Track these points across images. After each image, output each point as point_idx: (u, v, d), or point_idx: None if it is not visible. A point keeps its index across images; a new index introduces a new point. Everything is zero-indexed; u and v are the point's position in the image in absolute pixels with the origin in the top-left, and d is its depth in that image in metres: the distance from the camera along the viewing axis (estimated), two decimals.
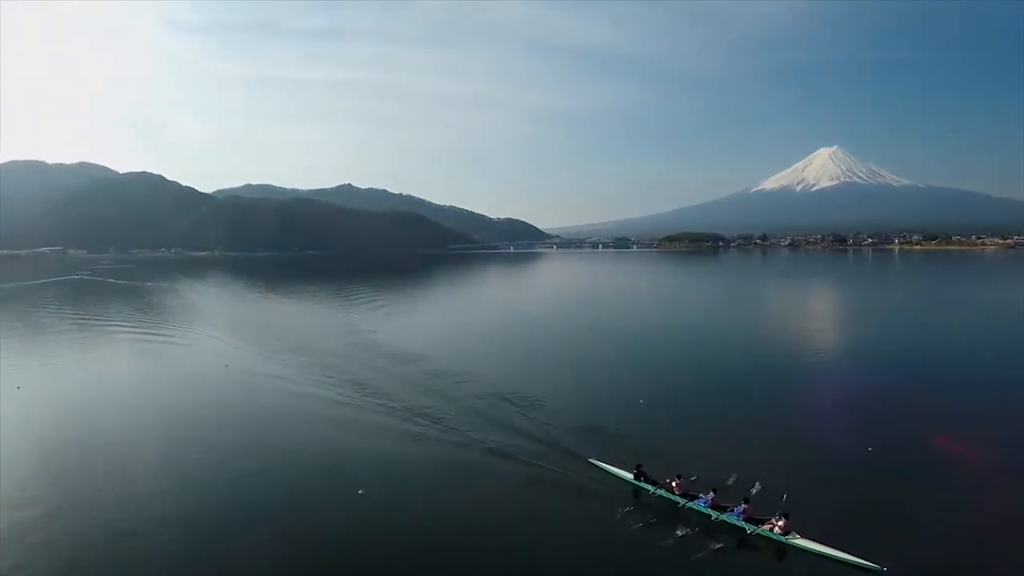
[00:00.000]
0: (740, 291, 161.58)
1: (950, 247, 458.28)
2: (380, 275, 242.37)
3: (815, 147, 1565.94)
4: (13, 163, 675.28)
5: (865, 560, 23.97)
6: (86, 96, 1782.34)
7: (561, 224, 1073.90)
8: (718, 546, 26.05)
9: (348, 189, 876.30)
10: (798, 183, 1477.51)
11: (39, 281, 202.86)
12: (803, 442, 39.03)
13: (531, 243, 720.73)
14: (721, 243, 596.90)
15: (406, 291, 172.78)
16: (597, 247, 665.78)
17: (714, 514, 28.12)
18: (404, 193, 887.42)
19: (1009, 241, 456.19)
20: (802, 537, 25.59)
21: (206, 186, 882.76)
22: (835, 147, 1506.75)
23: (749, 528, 26.92)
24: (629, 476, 32.12)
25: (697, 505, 28.96)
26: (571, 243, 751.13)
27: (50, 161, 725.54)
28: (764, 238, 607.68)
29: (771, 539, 26.17)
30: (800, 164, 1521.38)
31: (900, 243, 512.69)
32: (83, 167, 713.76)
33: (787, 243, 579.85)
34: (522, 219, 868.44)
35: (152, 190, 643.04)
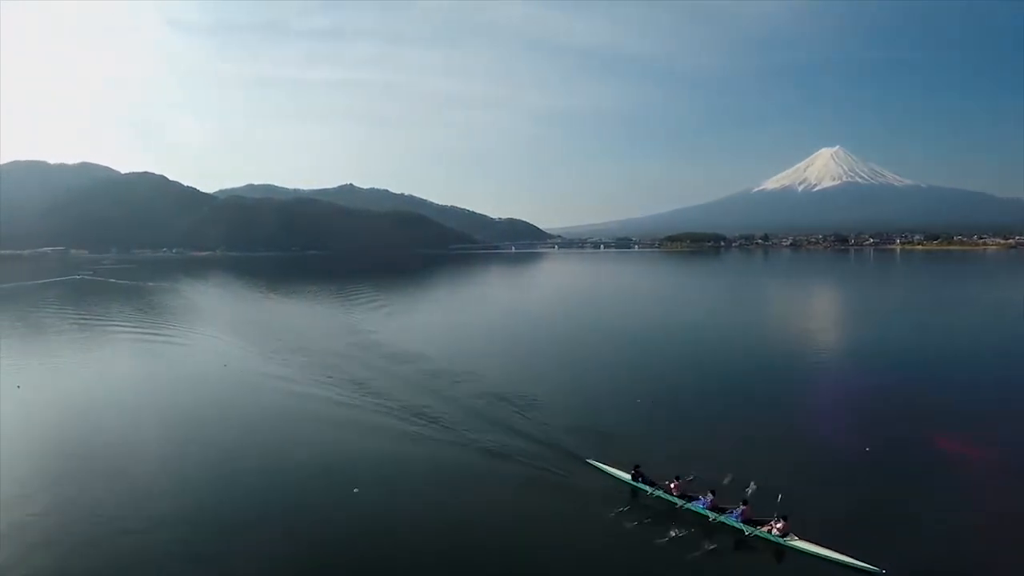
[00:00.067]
0: (741, 291, 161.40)
1: (952, 247, 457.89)
2: (381, 275, 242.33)
3: (817, 147, 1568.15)
4: (15, 163, 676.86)
5: (864, 562, 23.85)
6: (88, 96, 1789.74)
7: (562, 224, 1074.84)
8: (716, 548, 25.93)
9: (350, 189, 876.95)
10: (800, 183, 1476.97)
11: (40, 281, 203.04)
12: (802, 442, 38.93)
13: (532, 243, 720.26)
14: (723, 243, 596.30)
15: (407, 291, 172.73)
16: (599, 247, 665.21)
17: (712, 515, 28.01)
18: (406, 193, 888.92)
19: (1011, 241, 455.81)
20: (801, 539, 25.49)
21: (208, 186, 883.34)
22: (837, 147, 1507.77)
23: (747, 530, 26.82)
24: (627, 477, 32.01)
25: (695, 506, 28.85)
26: (572, 243, 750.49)
27: (52, 161, 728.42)
28: (766, 238, 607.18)
29: (769, 541, 26.07)
30: (802, 164, 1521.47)
31: (902, 243, 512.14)
32: (85, 167, 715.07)
33: (789, 243, 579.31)
34: (523, 219, 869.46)
35: (154, 190, 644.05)
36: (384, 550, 26.89)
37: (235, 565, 25.88)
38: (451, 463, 35.89)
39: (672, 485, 30.10)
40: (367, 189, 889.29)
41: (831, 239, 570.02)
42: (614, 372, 60.43)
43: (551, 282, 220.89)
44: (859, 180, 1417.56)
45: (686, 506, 29.11)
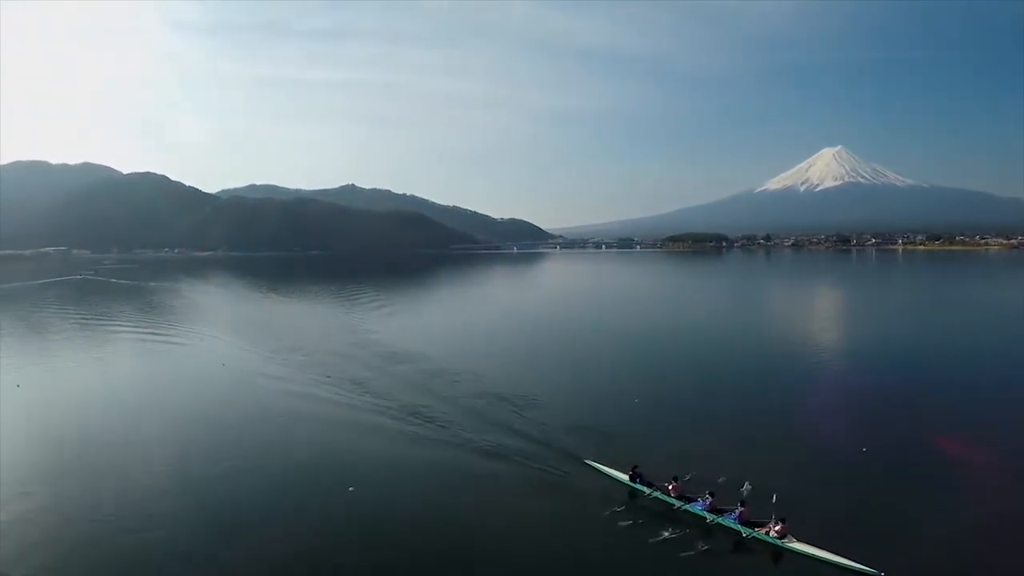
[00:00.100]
0: (742, 291, 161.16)
1: (954, 247, 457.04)
2: (382, 275, 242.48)
3: (819, 147, 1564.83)
4: (17, 163, 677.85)
5: (863, 565, 23.65)
6: (90, 97, 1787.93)
7: (564, 224, 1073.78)
8: (714, 549, 25.81)
9: (351, 189, 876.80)
10: (802, 183, 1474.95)
11: (41, 281, 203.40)
12: (801, 443, 38.75)
13: (534, 243, 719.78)
14: (724, 243, 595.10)
15: (408, 291, 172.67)
16: (600, 247, 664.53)
17: (710, 517, 27.85)
18: (407, 193, 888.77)
19: (1013, 241, 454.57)
20: (799, 541, 25.32)
21: (210, 186, 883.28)
22: (839, 147, 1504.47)
23: (745, 531, 26.64)
24: (625, 478, 31.85)
25: (693, 508, 28.68)
26: (574, 243, 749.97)
27: (54, 161, 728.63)
28: (767, 238, 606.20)
29: (767, 543, 25.90)
30: (804, 164, 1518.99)
31: (904, 243, 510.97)
32: (87, 167, 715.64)
33: (790, 243, 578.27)
34: (525, 219, 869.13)
35: (156, 190, 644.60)
36: (379, 550, 26.76)
37: (229, 562, 25.93)
38: (448, 463, 35.75)
39: (670, 487, 29.92)
40: (369, 189, 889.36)
41: (833, 239, 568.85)
42: (614, 372, 60.30)
43: (553, 282, 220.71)
44: (861, 180, 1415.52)
45: (684, 507, 28.93)
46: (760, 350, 71.00)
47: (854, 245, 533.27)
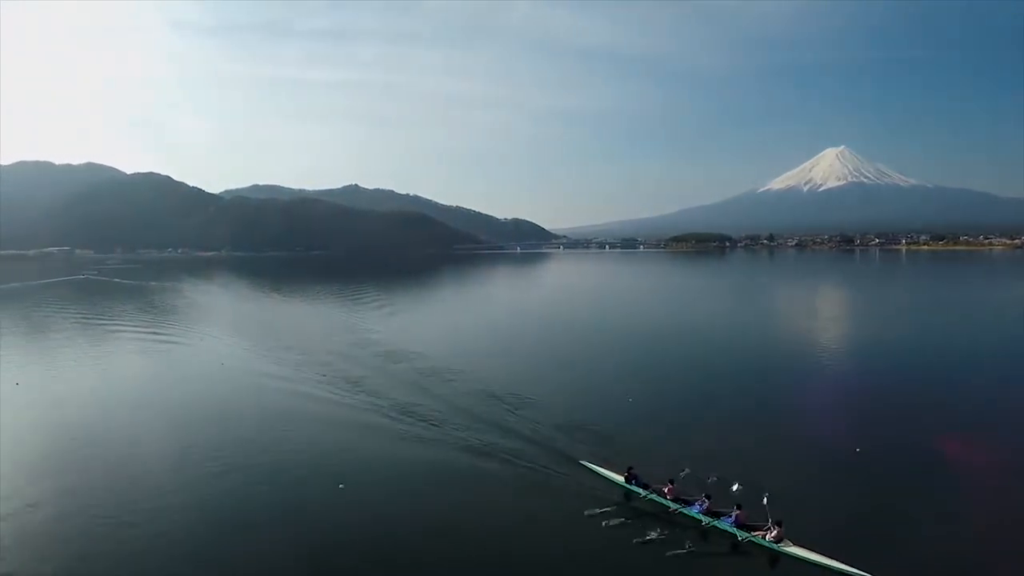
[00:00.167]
0: (745, 291, 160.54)
1: (957, 247, 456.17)
2: (385, 275, 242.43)
3: (822, 147, 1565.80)
4: (21, 164, 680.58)
5: (860, 570, 23.23)
6: (93, 97, 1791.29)
7: (568, 224, 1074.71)
8: (709, 552, 25.51)
9: (355, 189, 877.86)
10: (805, 183, 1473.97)
11: (45, 281, 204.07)
12: (800, 444, 38.38)
13: (538, 243, 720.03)
14: (728, 243, 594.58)
15: (410, 291, 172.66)
16: (604, 247, 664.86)
17: (706, 520, 27.48)
18: (410, 193, 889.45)
19: (1017, 241, 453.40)
20: (795, 545, 24.93)
21: (213, 187, 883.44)
22: (842, 147, 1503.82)
23: (741, 535, 26.26)
24: (620, 479, 31.52)
25: (689, 510, 28.34)
26: (578, 243, 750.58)
27: (57, 162, 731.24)
28: (771, 238, 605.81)
29: (763, 547, 25.52)
30: (807, 164, 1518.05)
31: (907, 243, 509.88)
32: (90, 168, 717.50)
33: (794, 243, 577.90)
34: (529, 219, 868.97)
35: (159, 190, 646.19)
36: (365, 548, 26.60)
37: (218, 555, 26.02)
38: (441, 462, 35.50)
39: (666, 489, 29.57)
40: (372, 189, 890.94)
41: (836, 239, 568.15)
42: (615, 372, 59.89)
43: (556, 283, 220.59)
44: (865, 180, 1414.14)
45: (680, 510, 28.58)
46: (760, 350, 70.61)
47: (858, 245, 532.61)
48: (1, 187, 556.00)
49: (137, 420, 45.63)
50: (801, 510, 27.53)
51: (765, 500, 26.21)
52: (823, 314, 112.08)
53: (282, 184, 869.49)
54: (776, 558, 24.94)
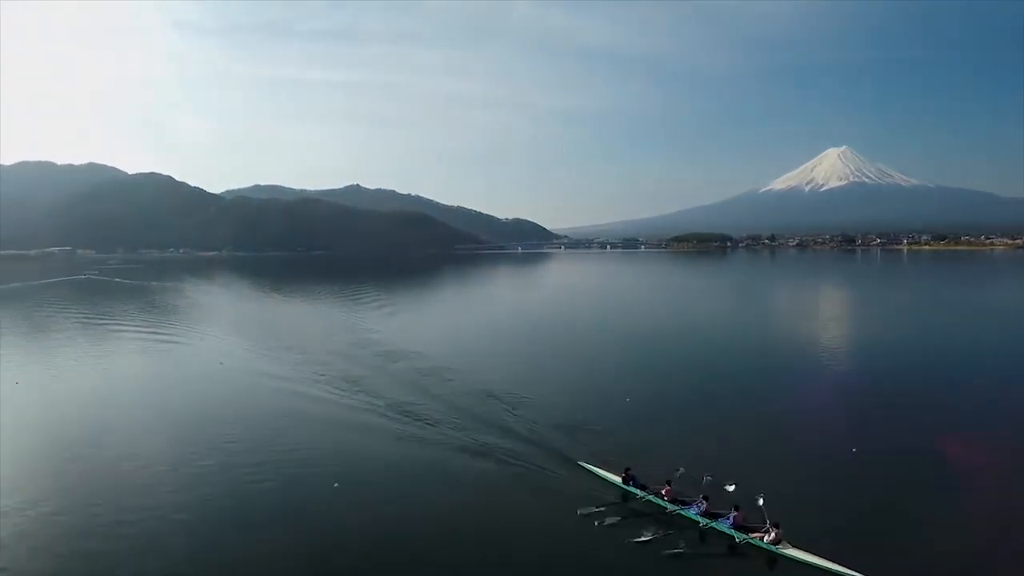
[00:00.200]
0: (746, 291, 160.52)
1: (959, 247, 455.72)
2: (386, 275, 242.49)
3: (823, 147, 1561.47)
4: (23, 164, 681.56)
5: (859, 573, 23.08)
6: (93, 97, 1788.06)
7: (569, 224, 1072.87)
8: (707, 554, 25.35)
9: (356, 189, 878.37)
10: (807, 183, 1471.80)
11: (46, 281, 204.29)
12: (798, 444, 38.14)
13: (539, 244, 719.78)
14: (729, 243, 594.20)
15: (410, 291, 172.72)
16: (605, 247, 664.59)
17: (703, 521, 27.28)
18: (412, 193, 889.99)
19: (1018, 241, 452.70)
20: (793, 547, 24.75)
21: (214, 187, 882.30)
22: (844, 147, 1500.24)
23: (739, 537, 26.07)
24: (618, 480, 31.35)
25: (686, 512, 28.18)
26: (579, 243, 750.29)
27: (59, 162, 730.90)
28: (772, 238, 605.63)
29: (761, 548, 25.36)
30: (809, 164, 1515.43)
31: (909, 243, 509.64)
32: (92, 168, 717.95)
33: (795, 243, 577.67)
34: (530, 219, 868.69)
35: (161, 190, 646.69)
36: (357, 546, 26.60)
37: (216, 555, 25.90)
38: (437, 462, 35.40)
39: (664, 490, 29.40)
40: (373, 189, 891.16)
41: (838, 239, 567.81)
42: (615, 372, 59.76)
43: (557, 282, 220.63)
44: (866, 180, 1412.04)
45: (677, 511, 28.42)
46: (761, 350, 70.43)
47: (859, 245, 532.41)
48: (3, 187, 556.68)
49: (136, 419, 45.69)
50: (800, 511, 27.34)
51: (763, 502, 26.02)
52: (824, 314, 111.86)
53: (284, 184, 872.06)
54: (774, 560, 24.74)
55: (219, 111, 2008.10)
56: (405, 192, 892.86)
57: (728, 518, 26.82)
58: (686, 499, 28.85)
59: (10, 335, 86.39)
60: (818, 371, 59.97)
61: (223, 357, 67.41)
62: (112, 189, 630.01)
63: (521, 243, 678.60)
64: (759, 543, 25.44)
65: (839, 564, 23.39)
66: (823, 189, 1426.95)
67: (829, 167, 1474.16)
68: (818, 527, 26.69)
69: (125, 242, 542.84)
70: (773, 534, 25.22)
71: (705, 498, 28.08)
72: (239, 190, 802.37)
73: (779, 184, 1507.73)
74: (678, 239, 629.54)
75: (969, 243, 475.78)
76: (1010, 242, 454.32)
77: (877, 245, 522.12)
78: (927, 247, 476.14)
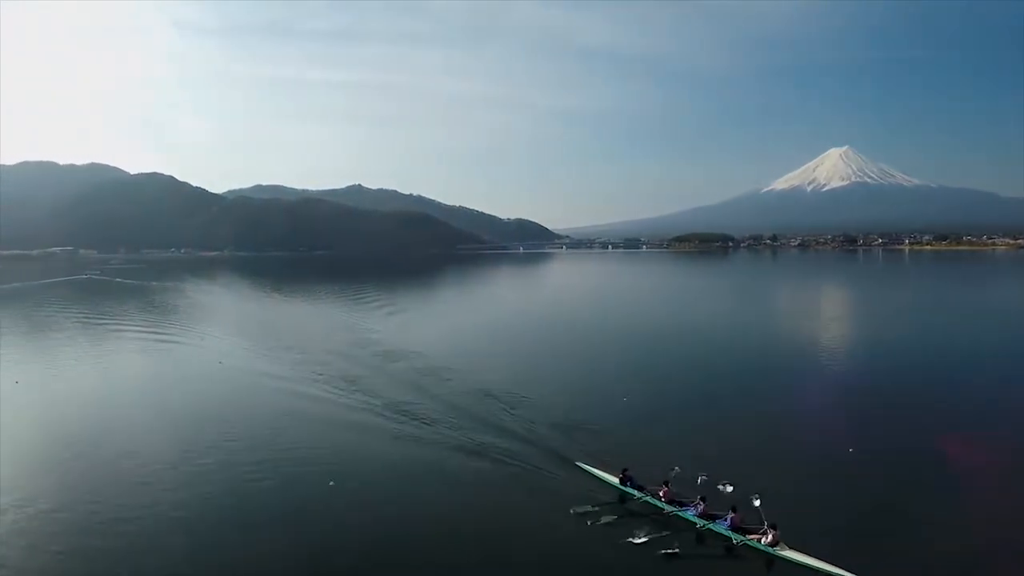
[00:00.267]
0: (747, 291, 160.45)
1: (960, 247, 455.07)
2: (387, 275, 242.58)
3: (825, 147, 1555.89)
4: (25, 164, 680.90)
5: (857, 575, 23.00)
6: (94, 97, 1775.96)
7: (571, 224, 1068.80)
8: (704, 555, 25.19)
9: (358, 190, 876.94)
10: (809, 183, 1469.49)
11: (47, 280, 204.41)
12: (797, 444, 37.98)
13: (541, 244, 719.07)
14: (731, 243, 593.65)
15: (412, 291, 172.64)
16: (607, 247, 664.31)
17: (700, 522, 27.12)
18: (414, 193, 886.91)
19: (1020, 241, 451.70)
20: (791, 549, 24.58)
21: (216, 187, 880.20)
22: (846, 147, 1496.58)
23: (736, 538, 25.91)
24: (615, 480, 31.20)
25: (684, 513, 28.05)
26: (581, 243, 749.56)
27: (62, 162, 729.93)
28: (774, 238, 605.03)
29: (759, 550, 25.19)
30: (811, 164, 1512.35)
31: (910, 243, 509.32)
32: (94, 168, 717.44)
33: (797, 243, 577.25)
34: (532, 219, 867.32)
35: (163, 190, 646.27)
36: (350, 544, 26.66)
37: (213, 553, 25.93)
38: (433, 461, 35.35)
39: (661, 491, 29.25)
40: (375, 190, 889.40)
41: (840, 239, 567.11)
42: (615, 372, 59.67)
43: (559, 283, 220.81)
44: (868, 180, 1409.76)
45: (675, 512, 28.28)
46: (761, 350, 70.31)
47: (861, 245, 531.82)
48: (5, 187, 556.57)
49: (135, 418, 45.80)
50: (799, 512, 27.26)
51: (760, 503, 25.89)
52: (824, 314, 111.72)
53: (285, 184, 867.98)
54: (772, 562, 24.54)
55: (219, 111, 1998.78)
56: (407, 192, 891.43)
57: (726, 520, 26.68)
58: (684, 500, 28.72)
59: (11, 334, 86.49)
60: (818, 371, 59.86)
61: (223, 357, 67.56)
62: (114, 189, 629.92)
63: (523, 243, 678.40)
64: (757, 545, 25.29)
65: (837, 566, 23.22)
66: (825, 189, 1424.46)
67: (831, 167, 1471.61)
68: (818, 527, 26.61)
69: (127, 242, 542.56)
70: (771, 536, 25.06)
71: (703, 499, 27.92)
72: (241, 190, 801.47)
73: (781, 184, 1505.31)
74: (680, 239, 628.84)
75: (971, 243, 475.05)
76: (1012, 242, 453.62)
77: (879, 245, 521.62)
78: (929, 247, 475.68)
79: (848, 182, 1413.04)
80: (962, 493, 30.71)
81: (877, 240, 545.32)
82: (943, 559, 24.91)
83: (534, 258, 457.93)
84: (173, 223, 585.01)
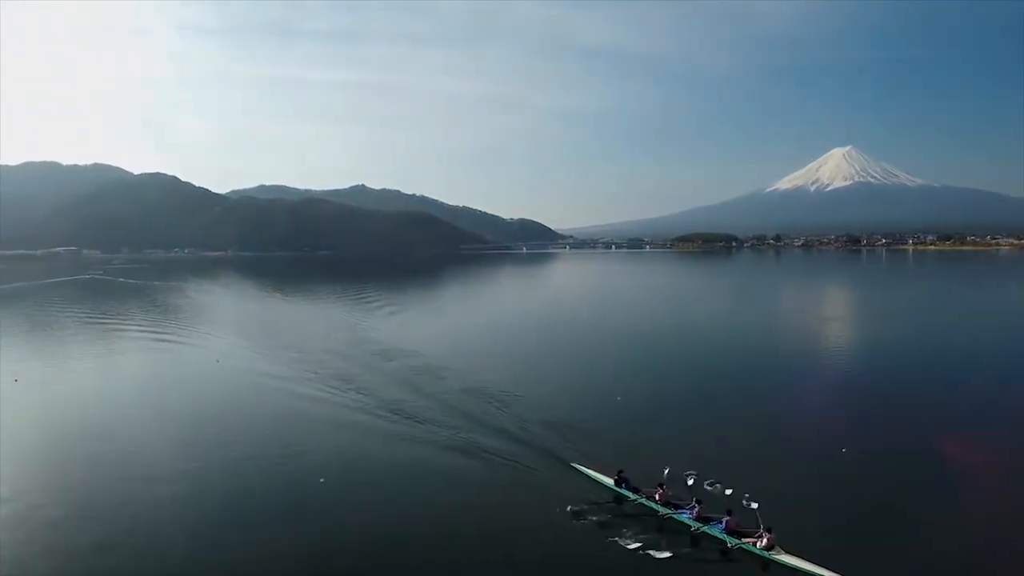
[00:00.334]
0: (749, 291, 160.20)
1: (964, 247, 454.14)
2: (389, 275, 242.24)
3: (828, 147, 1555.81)
4: (28, 164, 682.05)
5: None
6: (94, 97, 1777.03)
7: (574, 224, 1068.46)
8: (698, 558, 24.91)
9: (361, 190, 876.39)
10: (812, 183, 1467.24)
11: (50, 280, 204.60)
12: (797, 446, 37.73)
13: (544, 244, 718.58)
14: (734, 243, 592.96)
15: (414, 291, 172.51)
16: (610, 247, 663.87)
17: (695, 525, 26.89)
18: (417, 193, 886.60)
19: None
20: (786, 553, 24.31)
21: (219, 187, 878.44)
22: (849, 147, 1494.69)
23: (731, 541, 25.66)
24: (610, 482, 30.94)
25: (679, 515, 27.82)
26: (584, 243, 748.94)
27: (65, 162, 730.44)
28: (777, 238, 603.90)
29: (754, 554, 24.96)
30: (814, 164, 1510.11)
31: (914, 243, 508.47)
32: (97, 168, 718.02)
33: (800, 243, 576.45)
34: (535, 219, 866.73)
35: (166, 191, 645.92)
36: (339, 541, 26.76)
37: (210, 554, 25.86)
38: (428, 460, 35.33)
39: (656, 494, 29.02)
40: (378, 190, 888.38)
41: (843, 239, 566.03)
42: (614, 372, 59.42)
43: (561, 283, 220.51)
44: (872, 180, 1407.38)
45: (670, 515, 28.05)
46: (762, 350, 70.05)
47: (864, 245, 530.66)
48: (8, 188, 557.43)
49: (135, 417, 46.09)
50: (797, 513, 27.13)
51: (756, 506, 25.63)
52: (825, 314, 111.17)
53: (288, 184, 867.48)
54: (766, 566, 24.27)
55: (220, 111, 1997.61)
56: (410, 192, 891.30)
57: (721, 523, 26.44)
58: (679, 503, 28.47)
59: (12, 334, 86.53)
60: (818, 371, 59.73)
61: (223, 356, 67.88)
62: (117, 189, 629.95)
63: (526, 243, 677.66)
64: (752, 548, 25.04)
65: (833, 571, 22.98)
66: (828, 189, 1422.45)
67: (834, 167, 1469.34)
68: (817, 528, 26.53)
69: (130, 242, 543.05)
70: (766, 539, 24.80)
71: (698, 502, 27.67)
72: (244, 190, 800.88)
73: (784, 184, 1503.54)
74: (683, 239, 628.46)
75: (975, 243, 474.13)
76: (1016, 242, 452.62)
77: (882, 245, 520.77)
78: (933, 247, 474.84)
79: (851, 182, 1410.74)
80: (961, 493, 30.51)
81: (881, 240, 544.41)
82: (942, 559, 24.69)
83: (537, 258, 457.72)
84: (176, 223, 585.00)
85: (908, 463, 34.45)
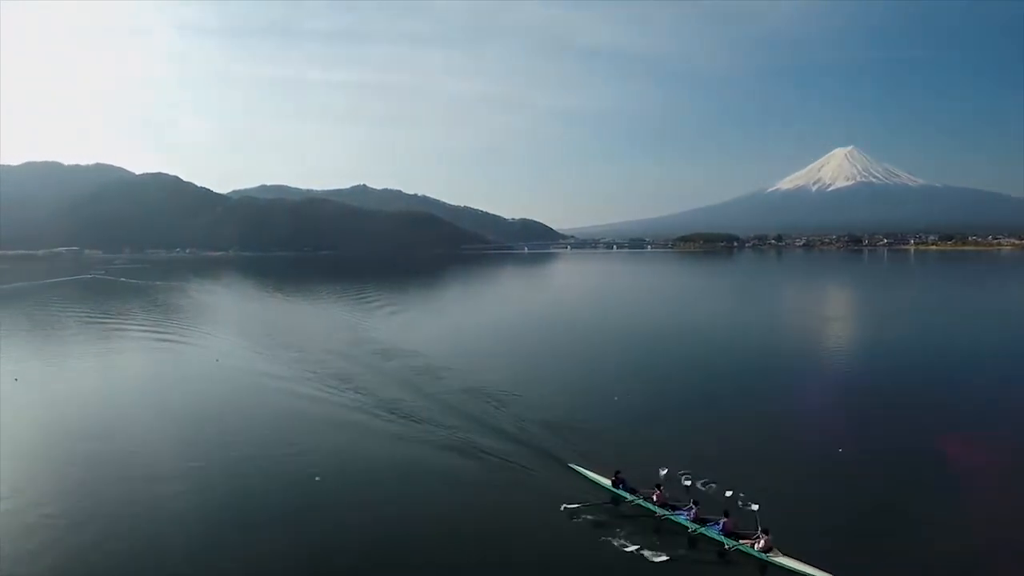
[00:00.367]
0: (750, 292, 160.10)
1: (966, 247, 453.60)
2: (392, 275, 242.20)
3: (829, 147, 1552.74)
4: (30, 164, 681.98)
5: None
6: (94, 97, 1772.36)
7: (576, 224, 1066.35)
8: (695, 560, 24.87)
9: (363, 190, 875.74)
10: (814, 183, 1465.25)
11: (52, 280, 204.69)
12: (796, 446, 37.70)
13: (546, 244, 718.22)
14: (736, 243, 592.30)
15: (415, 291, 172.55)
16: (612, 247, 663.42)
17: (693, 527, 26.86)
18: (418, 193, 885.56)
19: None
20: (784, 555, 24.27)
21: (221, 187, 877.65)
22: (851, 147, 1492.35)
23: (728, 543, 25.63)
24: (607, 483, 30.92)
25: (676, 516, 27.80)
26: (586, 243, 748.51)
27: (67, 162, 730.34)
28: (779, 238, 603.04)
29: (751, 556, 24.93)
30: (816, 164, 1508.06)
31: (916, 243, 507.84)
32: (99, 168, 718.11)
33: (802, 243, 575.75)
34: (536, 220, 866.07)
35: (167, 191, 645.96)
36: (333, 538, 26.93)
37: (210, 555, 25.90)
38: (425, 460, 35.44)
39: (654, 495, 29.00)
40: (380, 190, 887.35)
41: (845, 239, 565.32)
42: (614, 372, 59.42)
43: (562, 283, 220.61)
44: (873, 180, 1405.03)
45: (667, 516, 28.03)
46: (762, 350, 70.08)
47: (866, 245, 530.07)
48: (10, 188, 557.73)
49: (135, 417, 46.29)
50: (797, 513, 27.17)
51: (757, 507, 25.62)
52: (826, 314, 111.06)
53: (290, 184, 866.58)
54: (764, 567, 24.23)
55: (220, 111, 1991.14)
56: (411, 192, 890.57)
57: (718, 524, 26.39)
58: (676, 504, 28.44)
59: (13, 334, 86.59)
60: (818, 371, 59.72)
61: (223, 356, 68.08)
62: (119, 189, 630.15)
63: (528, 243, 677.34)
64: (749, 550, 24.99)
65: (830, 573, 22.96)
66: (830, 189, 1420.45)
67: (836, 167, 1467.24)
68: (817, 528, 26.55)
69: (132, 242, 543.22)
70: (763, 541, 24.75)
71: (696, 503, 27.64)
72: (245, 190, 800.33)
73: (786, 184, 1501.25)
74: (684, 239, 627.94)
75: (976, 243, 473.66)
76: (1017, 242, 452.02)
77: (884, 245, 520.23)
78: (934, 247, 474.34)
79: (853, 182, 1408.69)
80: (962, 493, 30.49)
81: (882, 240, 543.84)
82: (943, 560, 24.68)
83: (539, 258, 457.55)
84: (178, 223, 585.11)
85: (909, 463, 34.43)
